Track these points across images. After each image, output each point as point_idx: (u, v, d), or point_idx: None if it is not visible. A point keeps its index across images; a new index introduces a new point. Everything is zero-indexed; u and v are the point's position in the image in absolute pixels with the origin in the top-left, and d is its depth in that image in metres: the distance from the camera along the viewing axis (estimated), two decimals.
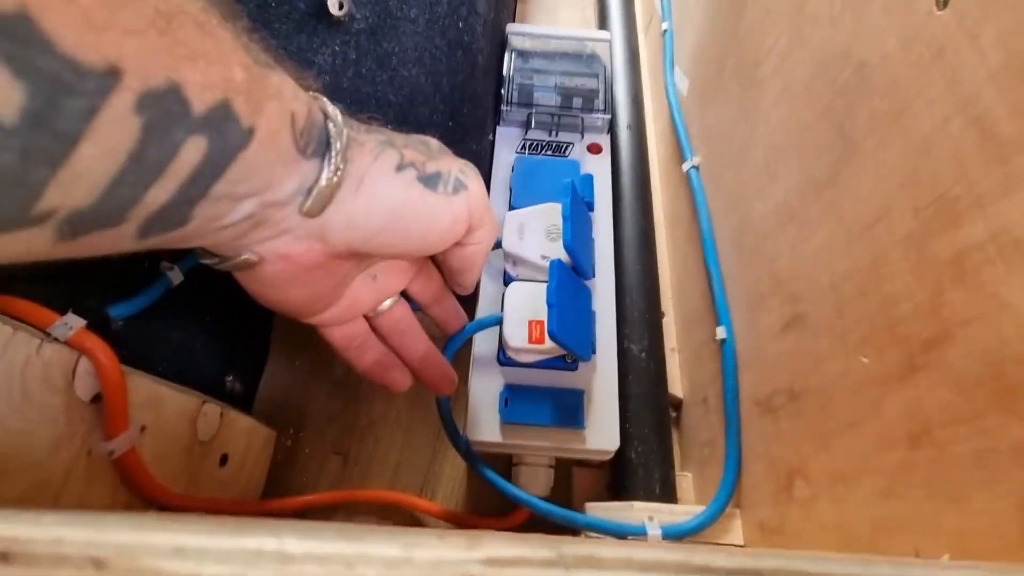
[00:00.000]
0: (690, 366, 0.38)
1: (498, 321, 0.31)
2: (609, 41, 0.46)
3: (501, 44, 0.44)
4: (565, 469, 0.36)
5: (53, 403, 0.20)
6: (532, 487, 0.32)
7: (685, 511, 0.29)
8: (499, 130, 0.43)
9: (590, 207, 0.37)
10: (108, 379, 0.22)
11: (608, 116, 0.42)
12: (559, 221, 0.32)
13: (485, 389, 0.32)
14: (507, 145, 0.42)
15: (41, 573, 0.07)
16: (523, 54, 0.44)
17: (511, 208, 0.37)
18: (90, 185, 0.12)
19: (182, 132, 0.13)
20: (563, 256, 0.30)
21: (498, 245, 0.33)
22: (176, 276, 0.28)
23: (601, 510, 0.30)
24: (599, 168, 0.41)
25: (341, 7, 0.26)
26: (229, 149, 0.15)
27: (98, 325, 0.22)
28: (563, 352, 0.30)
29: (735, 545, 0.28)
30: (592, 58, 0.45)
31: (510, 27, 0.45)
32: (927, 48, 0.18)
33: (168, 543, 0.07)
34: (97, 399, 0.22)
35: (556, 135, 0.42)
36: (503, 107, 0.42)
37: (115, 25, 0.11)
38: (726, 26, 0.35)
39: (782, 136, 0.27)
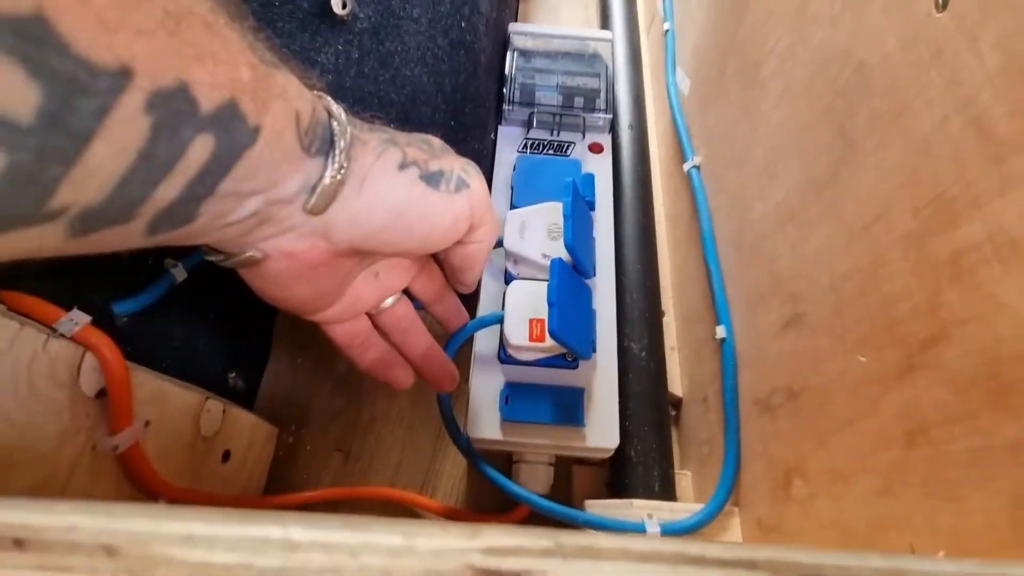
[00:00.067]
0: (690, 365, 0.38)
1: (499, 319, 0.31)
2: (611, 41, 0.46)
3: (503, 43, 0.44)
4: (565, 467, 0.36)
5: (59, 398, 0.21)
6: (532, 485, 0.32)
7: (684, 509, 0.29)
8: (501, 129, 0.43)
9: (591, 206, 0.37)
10: (113, 375, 0.22)
11: (610, 116, 0.43)
12: (560, 220, 0.33)
13: (486, 387, 0.32)
14: (509, 144, 0.42)
15: (54, 559, 0.07)
16: (525, 53, 0.45)
17: (512, 207, 0.37)
18: (101, 182, 0.12)
19: (190, 130, 0.13)
20: (564, 255, 0.30)
21: (499, 244, 0.34)
22: (180, 273, 0.29)
23: (601, 508, 0.31)
24: (600, 167, 0.41)
25: (344, 6, 0.27)
26: (236, 147, 0.15)
27: (103, 321, 0.23)
28: (563, 350, 0.30)
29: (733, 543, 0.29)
30: (594, 58, 0.45)
31: (512, 26, 0.45)
32: (926, 49, 0.18)
33: (178, 531, 0.07)
34: (102, 394, 0.22)
35: (558, 134, 0.42)
36: (505, 106, 0.42)
37: (127, 26, 0.11)
38: (728, 27, 0.35)
39: (783, 136, 0.27)
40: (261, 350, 0.40)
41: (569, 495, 0.35)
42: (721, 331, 0.32)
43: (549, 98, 0.43)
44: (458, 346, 0.30)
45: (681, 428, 0.39)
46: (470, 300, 0.32)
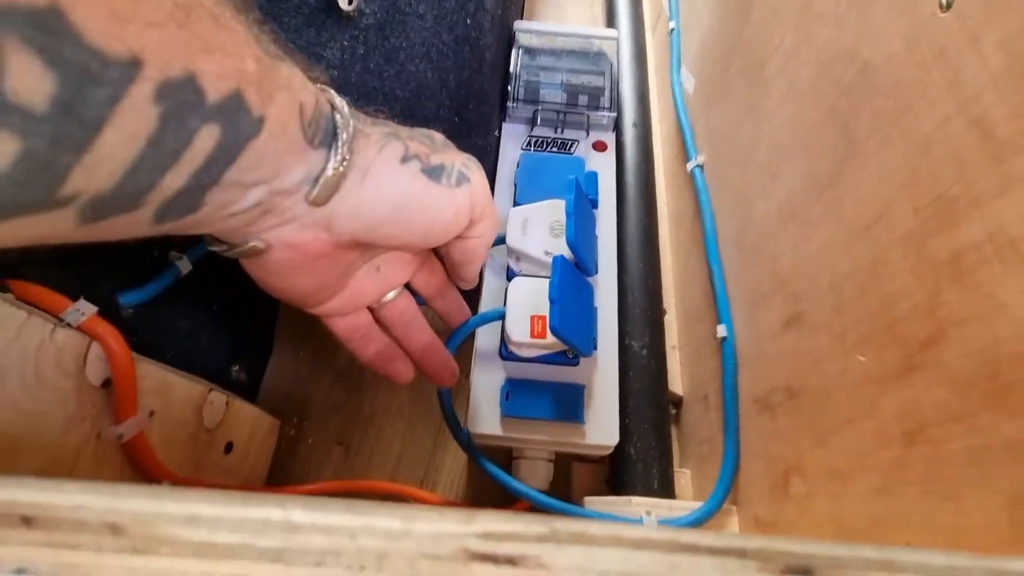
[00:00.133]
0: (690, 363, 0.38)
1: (501, 316, 0.31)
2: (616, 39, 0.46)
3: (508, 41, 0.44)
4: (565, 463, 0.36)
5: (65, 386, 0.21)
6: (532, 480, 0.32)
7: (682, 507, 0.29)
8: (505, 126, 0.43)
9: (594, 204, 0.37)
10: (118, 365, 0.22)
11: (614, 114, 0.43)
12: (563, 217, 0.33)
13: (487, 382, 0.32)
14: (512, 141, 0.42)
15: (61, 537, 0.08)
16: (530, 51, 0.45)
17: (515, 204, 0.37)
18: (111, 170, 0.13)
19: (197, 120, 0.14)
20: (566, 252, 0.30)
21: (502, 240, 0.34)
22: (185, 265, 0.29)
23: (600, 504, 0.31)
24: (604, 165, 0.41)
25: (350, 2, 0.27)
26: (240, 137, 0.15)
27: (109, 312, 0.23)
28: (564, 347, 0.30)
29: None
30: (599, 56, 0.45)
31: (517, 24, 0.45)
32: (930, 49, 0.18)
33: (182, 511, 0.08)
34: (107, 384, 0.22)
35: (561, 132, 0.42)
36: (509, 103, 0.42)
37: (138, 18, 0.12)
38: (733, 26, 0.35)
39: (786, 135, 0.27)
40: (264, 343, 0.40)
41: (568, 492, 0.36)
42: (722, 330, 0.32)
43: (553, 96, 0.43)
44: (459, 342, 0.30)
45: (681, 426, 0.39)
46: (472, 296, 0.32)
